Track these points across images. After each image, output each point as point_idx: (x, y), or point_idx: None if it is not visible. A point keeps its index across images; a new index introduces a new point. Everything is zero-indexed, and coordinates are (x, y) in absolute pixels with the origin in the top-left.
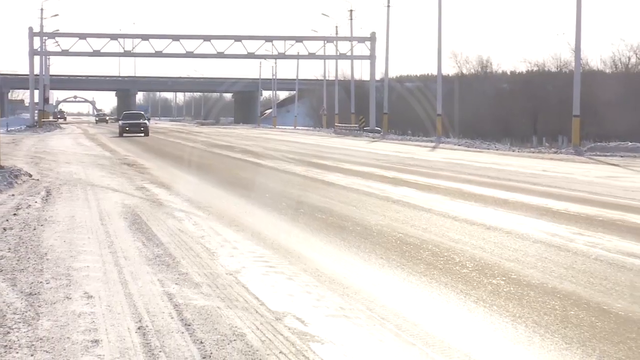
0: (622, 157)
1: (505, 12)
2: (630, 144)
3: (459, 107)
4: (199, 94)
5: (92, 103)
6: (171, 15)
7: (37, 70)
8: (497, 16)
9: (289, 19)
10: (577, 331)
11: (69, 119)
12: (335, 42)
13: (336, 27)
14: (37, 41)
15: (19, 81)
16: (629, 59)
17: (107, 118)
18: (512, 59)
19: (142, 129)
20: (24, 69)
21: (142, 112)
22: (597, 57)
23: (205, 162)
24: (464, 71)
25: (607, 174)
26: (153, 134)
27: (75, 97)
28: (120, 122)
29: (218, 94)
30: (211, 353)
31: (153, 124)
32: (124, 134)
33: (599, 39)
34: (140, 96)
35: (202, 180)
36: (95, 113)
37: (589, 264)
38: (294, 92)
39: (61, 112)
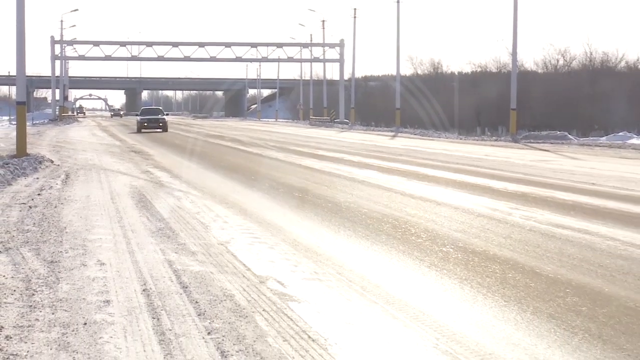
0: (551, 144)
1: (454, 20)
2: (558, 132)
3: (414, 102)
4: (195, 92)
5: (105, 100)
6: (171, 24)
7: (57, 73)
8: (447, 23)
9: (271, 27)
10: (514, 291)
11: (86, 113)
12: (310, 47)
13: (311, 35)
14: (57, 48)
15: (43, 82)
16: (557, 61)
17: (121, 113)
18: (459, 61)
19: (160, 124)
20: (46, 72)
21: (160, 108)
22: (530, 59)
23: (200, 150)
24: (419, 72)
25: (539, 158)
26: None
27: (90, 95)
28: (139, 117)
29: (211, 91)
30: (205, 311)
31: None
32: (142, 130)
33: (532, 44)
34: (145, 94)
35: (198, 165)
36: (111, 108)
37: (524, 234)
38: (276, 90)
39: (80, 108)
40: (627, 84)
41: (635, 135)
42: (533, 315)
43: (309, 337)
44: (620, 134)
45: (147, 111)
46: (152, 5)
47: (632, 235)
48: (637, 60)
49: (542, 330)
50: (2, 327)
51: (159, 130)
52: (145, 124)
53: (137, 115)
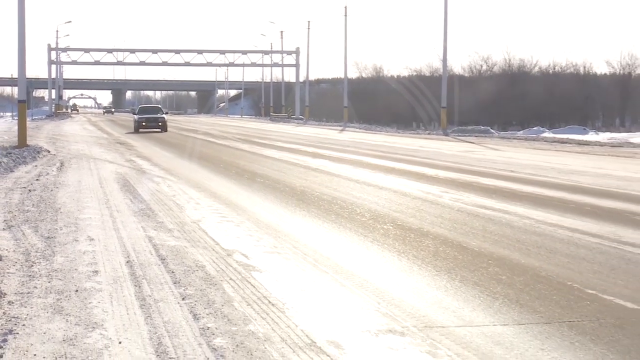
0: (476, 137)
1: (394, 30)
2: (482, 127)
3: (359, 101)
4: (172, 92)
5: (94, 99)
6: (152, 33)
7: (53, 75)
8: (388, 32)
9: (238, 36)
10: (445, 262)
11: (79, 111)
12: (270, 54)
13: (271, 43)
14: (53, 54)
15: (41, 83)
16: (481, 66)
17: (113, 110)
18: (398, 66)
19: (160, 124)
20: (44, 74)
21: (159, 106)
22: (458, 65)
23: (175, 142)
24: (364, 75)
25: (466, 149)
26: None
27: (82, 94)
28: (136, 116)
29: (185, 91)
30: (180, 279)
31: None
32: (140, 130)
33: (460, 51)
34: (129, 94)
35: (174, 155)
36: (103, 106)
37: (453, 214)
38: (241, 90)
39: (74, 105)
40: (540, 86)
41: (547, 130)
42: (460, 283)
43: (269, 302)
44: (535, 128)
45: (145, 109)
46: (135, 16)
47: (545, 215)
48: (549, 66)
49: (468, 296)
50: (5, 293)
51: (157, 130)
52: (144, 124)
53: (133, 113)
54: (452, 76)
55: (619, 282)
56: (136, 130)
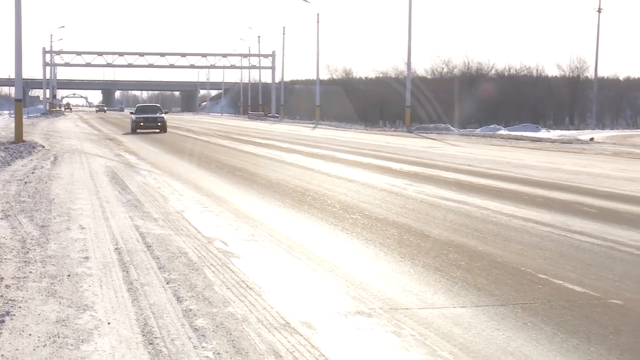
0: (438, 133)
1: (363, 34)
2: (443, 125)
3: (330, 101)
4: (157, 91)
5: (86, 98)
6: (139, 37)
7: (48, 76)
8: (357, 36)
9: (218, 40)
10: (409, 249)
11: (72, 109)
12: (248, 57)
13: (249, 47)
14: (47, 57)
15: (36, 83)
16: (442, 69)
17: (105, 109)
18: (366, 68)
19: (159, 124)
20: (39, 75)
21: (158, 105)
22: (422, 67)
23: (160, 137)
24: (334, 77)
25: (428, 145)
26: (127, 118)
27: (74, 94)
28: (134, 116)
29: (170, 91)
30: (164, 265)
31: (127, 113)
32: (138, 130)
33: (423, 55)
34: (118, 93)
35: (159, 150)
36: (96, 104)
37: (417, 204)
38: (221, 90)
39: (68, 104)
40: (496, 87)
41: (503, 128)
42: (423, 269)
43: (247, 285)
44: (492, 126)
45: (143, 109)
46: (123, 21)
47: (500, 206)
48: (504, 68)
49: (430, 280)
50: (2, 278)
51: (156, 130)
52: (142, 124)
53: (131, 113)
54: (416, 78)
55: (568, 268)
56: (133, 131)
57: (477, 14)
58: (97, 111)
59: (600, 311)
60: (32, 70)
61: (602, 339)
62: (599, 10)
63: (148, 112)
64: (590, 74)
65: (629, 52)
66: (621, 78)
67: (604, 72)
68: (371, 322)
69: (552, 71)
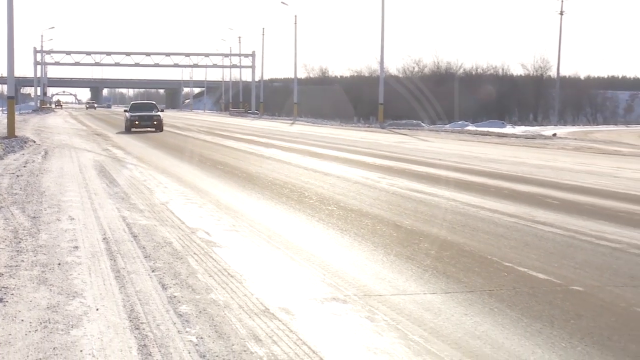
0: (409, 129)
1: (338, 34)
2: (414, 121)
3: (308, 98)
4: (143, 89)
5: (75, 95)
6: (125, 37)
7: (38, 75)
8: (333, 37)
9: (201, 39)
10: (381, 239)
11: (63, 106)
12: (229, 57)
13: (230, 47)
14: (38, 56)
15: (27, 81)
16: (414, 68)
17: (95, 105)
18: (341, 67)
19: (154, 122)
20: (30, 74)
21: (154, 102)
22: (394, 67)
23: (146, 133)
24: (311, 75)
25: (400, 140)
26: (114, 115)
27: (63, 91)
28: (128, 114)
29: (155, 89)
30: (150, 254)
31: (114, 108)
32: (133, 129)
33: (395, 55)
34: (105, 91)
35: (145, 145)
36: (86, 101)
37: (389, 196)
38: (204, 88)
39: (58, 101)
40: (464, 85)
41: (470, 124)
42: (395, 257)
43: (229, 273)
44: (460, 122)
45: (138, 106)
46: (111, 22)
47: (468, 197)
48: (472, 67)
49: (402, 268)
50: None
51: (152, 130)
52: (137, 122)
53: (125, 111)
54: (388, 77)
55: (532, 256)
56: (128, 130)
57: (446, 15)
58: (87, 108)
59: (562, 297)
60: (24, 69)
61: (564, 323)
62: (561, 13)
63: (143, 110)
64: (552, 73)
65: (590, 52)
66: (582, 77)
67: (566, 71)
68: (346, 308)
69: (516, 70)
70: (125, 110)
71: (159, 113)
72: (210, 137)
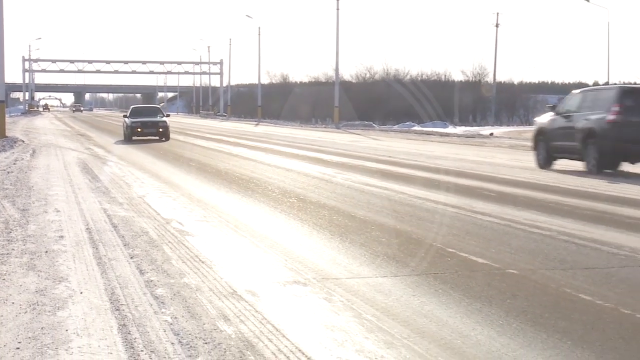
0: (362, 129)
1: (298, 43)
2: (366, 122)
3: (270, 101)
4: (122, 94)
5: (60, 100)
6: (105, 45)
7: (27, 81)
8: (293, 45)
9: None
10: (338, 228)
11: (50, 109)
12: (200, 64)
13: (200, 56)
14: (26, 64)
15: (16, 87)
16: (365, 74)
17: (82, 109)
18: (300, 74)
19: (160, 129)
20: (19, 80)
21: (158, 107)
22: (348, 73)
23: (124, 133)
24: (274, 81)
25: (354, 139)
26: (96, 117)
27: (49, 96)
28: (128, 120)
29: (132, 94)
30: (129, 242)
31: (96, 111)
32: (134, 137)
33: (349, 62)
34: (87, 95)
35: (125, 144)
36: (72, 104)
37: (344, 190)
38: (177, 93)
39: (46, 105)
40: (410, 90)
41: (416, 124)
42: (350, 244)
43: (200, 259)
44: (407, 123)
45: (139, 111)
46: (92, 33)
47: (415, 191)
48: (418, 74)
49: (356, 254)
50: None
51: (157, 137)
52: (139, 129)
53: (124, 116)
54: (342, 82)
55: (472, 243)
56: (128, 139)
57: (395, 26)
58: (73, 111)
59: (499, 279)
60: (13, 75)
61: (500, 302)
62: (497, 25)
63: (146, 115)
64: (489, 78)
65: (522, 60)
66: (515, 82)
67: (501, 77)
68: (306, 290)
69: (457, 76)
70: (125, 116)
71: (164, 118)
72: (182, 137)
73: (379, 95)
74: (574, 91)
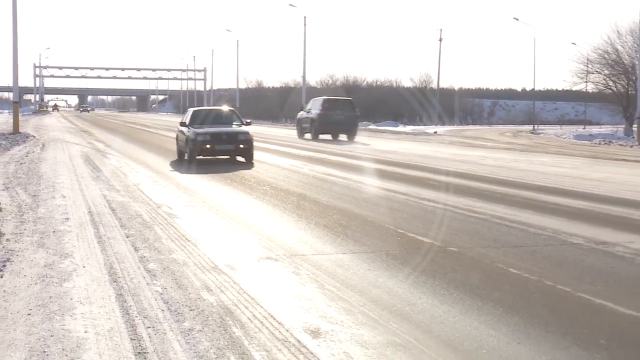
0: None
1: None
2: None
3: (247, 103)
4: (119, 96)
5: (66, 101)
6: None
7: (37, 84)
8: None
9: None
10: (304, 212)
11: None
12: (186, 71)
13: (187, 64)
14: (37, 70)
15: (28, 90)
16: (328, 81)
17: (89, 109)
18: (273, 79)
19: (241, 146)
20: (30, 84)
21: (232, 109)
22: (313, 79)
23: (122, 130)
24: (250, 86)
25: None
26: (97, 116)
27: (57, 98)
28: (190, 130)
29: (128, 96)
30: (125, 223)
31: (97, 111)
32: (202, 157)
33: (315, 70)
34: (89, 98)
35: (121, 139)
36: (80, 105)
37: (310, 179)
38: (167, 96)
39: (55, 105)
40: (367, 95)
41: (372, 124)
42: (315, 226)
43: (186, 238)
44: (364, 122)
45: (207, 116)
46: (94, 43)
47: (370, 180)
48: (373, 81)
49: (320, 234)
50: (4, 233)
51: (237, 158)
52: (209, 146)
53: (182, 124)
54: (309, 88)
55: (419, 225)
56: (191, 159)
57: (354, 38)
58: (81, 111)
59: (442, 256)
60: (25, 80)
61: (443, 275)
62: (440, 40)
63: (218, 123)
64: (434, 85)
65: (462, 69)
66: (456, 88)
67: (444, 83)
68: (277, 265)
69: (407, 83)
70: (184, 124)
71: (245, 128)
72: (172, 133)
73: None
74: (313, 99)
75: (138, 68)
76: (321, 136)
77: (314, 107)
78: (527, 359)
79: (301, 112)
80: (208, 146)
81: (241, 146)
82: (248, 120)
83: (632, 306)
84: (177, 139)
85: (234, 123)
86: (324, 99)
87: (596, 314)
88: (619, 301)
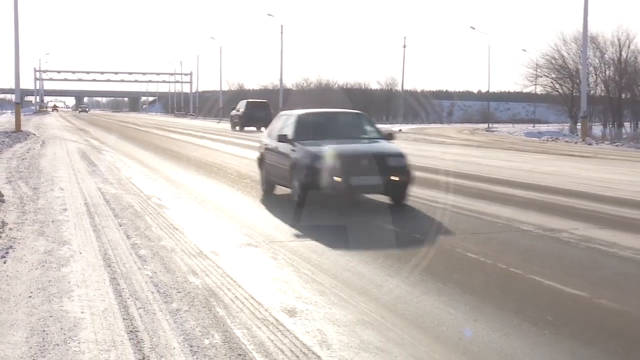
0: None
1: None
2: None
3: (229, 104)
4: (112, 97)
5: (64, 102)
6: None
7: (37, 87)
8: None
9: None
10: (281, 204)
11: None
12: (174, 75)
13: (175, 69)
14: (37, 74)
15: (29, 92)
16: (303, 83)
17: (87, 110)
18: (253, 82)
19: (393, 179)
20: (31, 86)
21: (361, 113)
22: (290, 82)
23: (115, 129)
24: (232, 88)
25: None
26: (92, 116)
27: (55, 99)
28: (308, 149)
29: (121, 97)
30: (118, 214)
31: (92, 111)
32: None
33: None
34: (85, 99)
35: (115, 136)
36: (79, 106)
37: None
38: (156, 97)
39: (55, 106)
40: (340, 96)
41: None
42: (291, 215)
43: (174, 227)
44: None
45: (324, 126)
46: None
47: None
48: (344, 83)
49: (295, 223)
50: (7, 223)
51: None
52: (338, 179)
53: (281, 139)
54: (287, 90)
55: (387, 214)
56: (303, 197)
57: (326, 44)
58: (79, 112)
59: (407, 241)
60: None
61: (407, 259)
62: (404, 46)
63: (345, 137)
64: (399, 87)
65: (424, 72)
66: (419, 90)
67: (408, 86)
68: (257, 251)
69: (374, 85)
70: (285, 138)
71: (396, 147)
72: (161, 131)
73: (313, 100)
74: (241, 101)
75: (130, 72)
76: (246, 128)
77: (241, 107)
78: (483, 334)
79: (233, 111)
80: (338, 178)
81: (393, 178)
82: (398, 130)
83: (577, 286)
84: (261, 158)
85: (370, 137)
86: (247, 101)
87: (545, 294)
88: (565, 282)
